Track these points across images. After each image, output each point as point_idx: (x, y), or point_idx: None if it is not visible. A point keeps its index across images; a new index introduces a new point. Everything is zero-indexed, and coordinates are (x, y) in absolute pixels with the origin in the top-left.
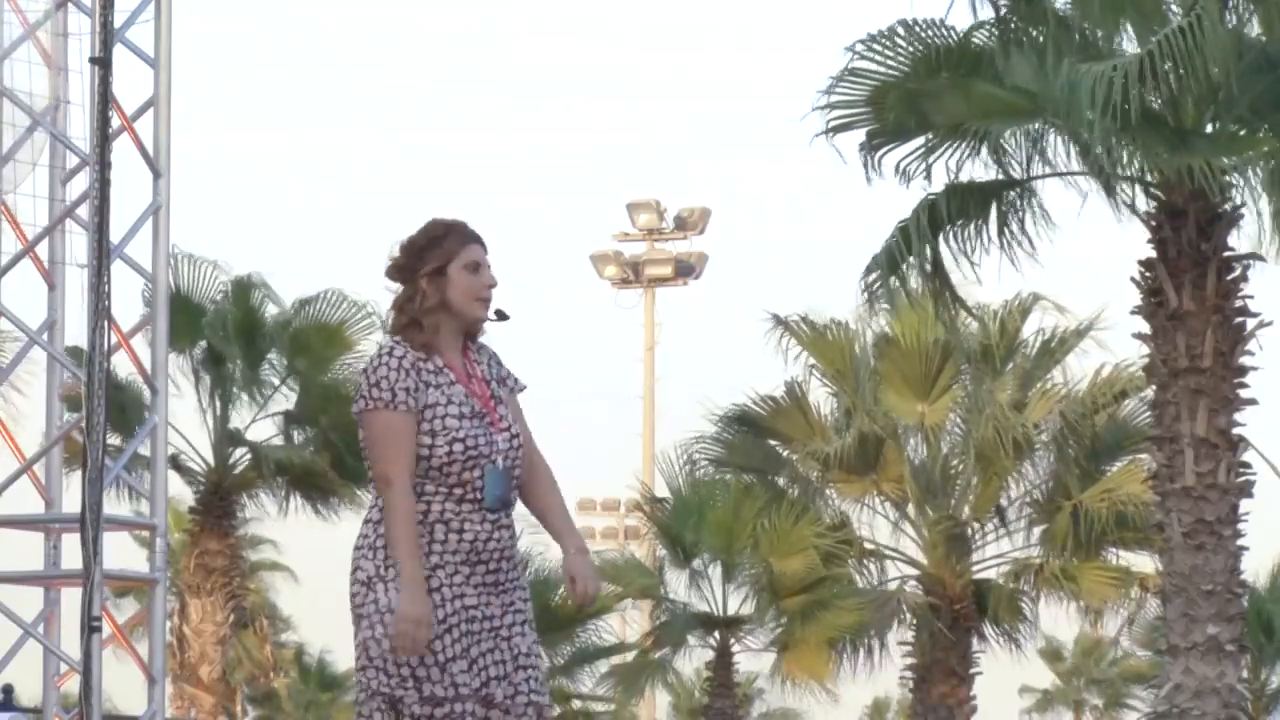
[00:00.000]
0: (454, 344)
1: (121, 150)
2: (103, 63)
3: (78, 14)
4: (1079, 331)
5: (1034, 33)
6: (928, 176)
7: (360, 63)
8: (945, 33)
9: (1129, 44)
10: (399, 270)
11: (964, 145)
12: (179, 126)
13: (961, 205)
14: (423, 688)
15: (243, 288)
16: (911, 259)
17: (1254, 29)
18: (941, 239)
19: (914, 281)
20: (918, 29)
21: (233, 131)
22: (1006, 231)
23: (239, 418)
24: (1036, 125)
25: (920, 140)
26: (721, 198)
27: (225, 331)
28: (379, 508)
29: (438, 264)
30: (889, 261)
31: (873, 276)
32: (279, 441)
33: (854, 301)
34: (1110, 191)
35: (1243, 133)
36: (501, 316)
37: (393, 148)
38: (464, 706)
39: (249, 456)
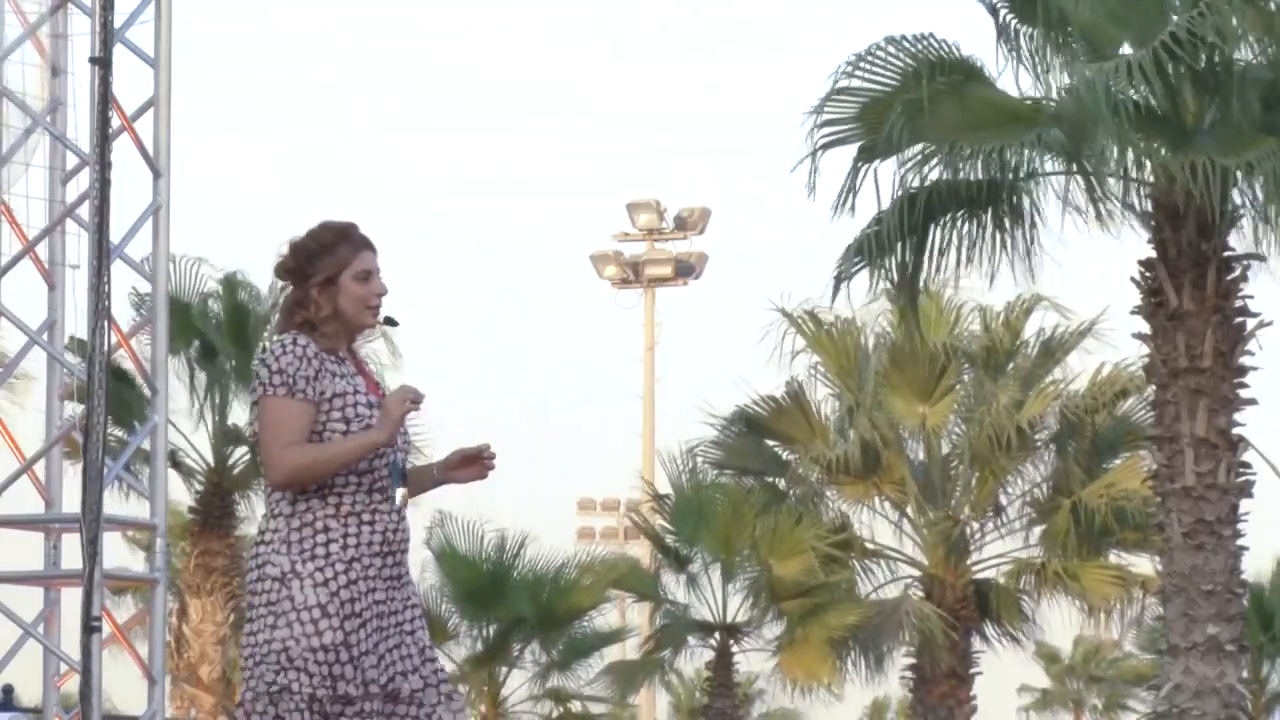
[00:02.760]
0: (344, 345)
1: (121, 150)
2: (103, 63)
3: (78, 14)
4: (1080, 332)
5: (1031, 35)
6: (923, 185)
7: (360, 63)
8: (935, 45)
9: (1129, 44)
10: (288, 272)
11: (961, 153)
12: (179, 127)
13: (948, 202)
14: (337, 686)
15: (230, 286)
16: (884, 254)
17: (1253, 30)
18: (924, 234)
19: (885, 276)
20: (905, 44)
21: (232, 132)
22: (999, 231)
23: (237, 416)
24: (1036, 131)
25: (917, 149)
26: (721, 198)
27: (218, 330)
28: (288, 500)
29: (330, 273)
30: (860, 252)
31: (843, 265)
32: None
33: (855, 301)
34: (1101, 199)
35: (1244, 131)
36: (390, 322)
37: (392, 148)
38: (371, 705)
39: (248, 455)
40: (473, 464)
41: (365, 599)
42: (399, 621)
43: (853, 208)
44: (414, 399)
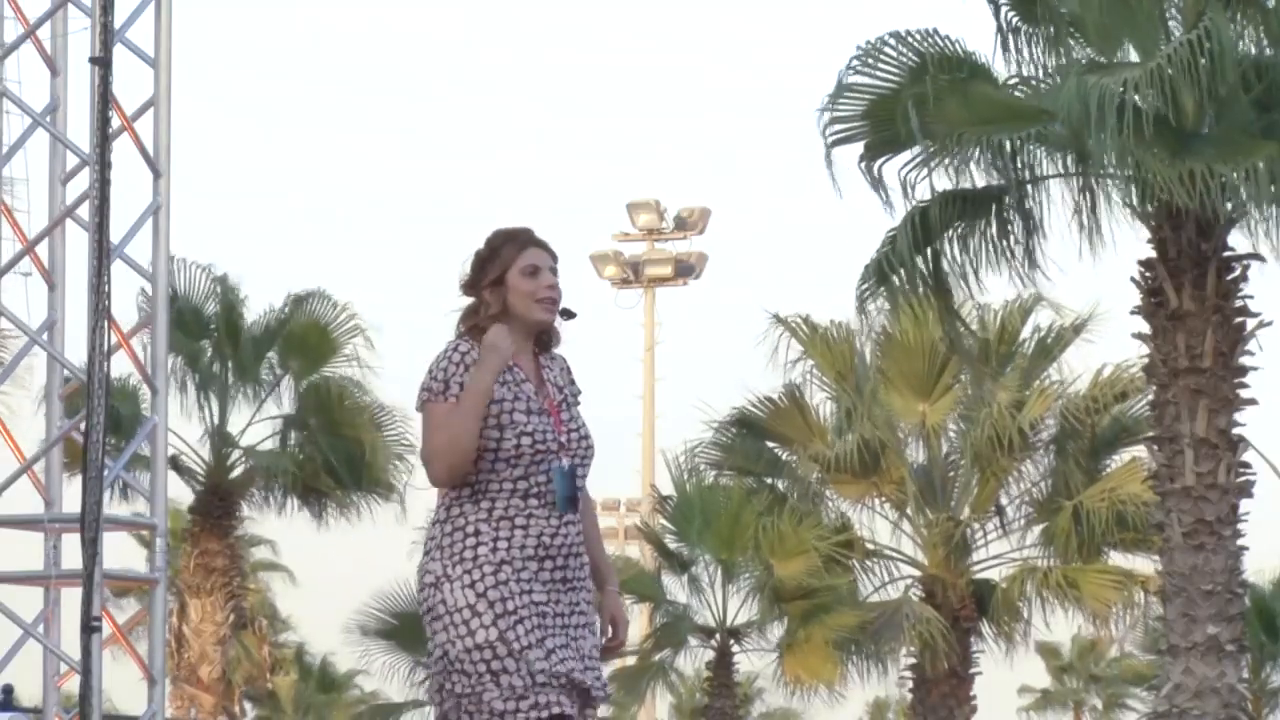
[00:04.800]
0: (524, 348)
1: (121, 150)
2: (103, 63)
3: (78, 14)
4: (1076, 327)
5: (1033, 35)
6: (929, 183)
7: (360, 64)
8: (939, 41)
9: (1127, 52)
10: (467, 285)
11: (964, 151)
12: (179, 127)
13: (956, 211)
14: (500, 680)
15: (225, 287)
16: (902, 270)
17: (1250, 33)
18: (937, 246)
19: (906, 290)
20: (910, 39)
21: (232, 132)
22: (1004, 237)
23: (235, 419)
24: (1037, 129)
25: (919, 148)
26: (721, 198)
27: (214, 332)
28: (444, 506)
29: (497, 273)
30: (880, 271)
31: (864, 286)
32: (272, 445)
33: (852, 302)
34: (1093, 201)
35: (1243, 136)
36: (567, 315)
37: (392, 149)
38: (547, 696)
39: (244, 459)
40: (611, 634)
41: (519, 599)
42: (564, 625)
43: (890, 207)
44: (494, 344)
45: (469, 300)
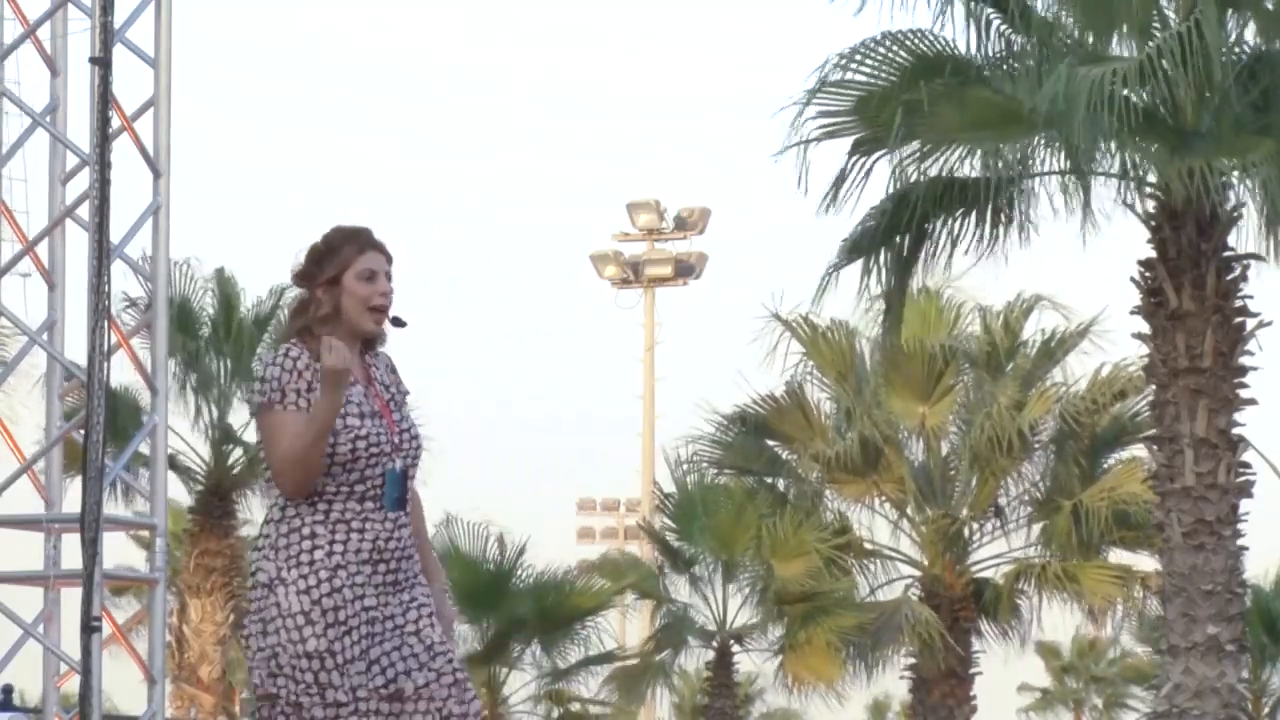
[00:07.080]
0: (351, 348)
1: (121, 150)
2: (103, 63)
3: (78, 14)
4: (1079, 331)
5: (1023, 38)
6: (921, 180)
7: (360, 64)
8: (931, 41)
9: (1120, 47)
10: (301, 277)
11: (957, 152)
12: (179, 127)
13: (941, 200)
14: (326, 694)
15: (221, 283)
16: (876, 252)
17: (1250, 31)
18: (919, 230)
19: (877, 273)
20: (902, 39)
21: (232, 132)
22: (993, 230)
23: (236, 417)
24: (1033, 134)
25: (914, 146)
26: (721, 198)
27: (211, 329)
28: (279, 507)
29: (334, 272)
30: (855, 248)
31: (836, 262)
32: None
33: (846, 300)
34: (1089, 200)
35: (1242, 134)
36: (398, 323)
37: (392, 149)
38: (366, 706)
39: (244, 455)
40: None
41: (351, 606)
42: (399, 625)
43: (836, 200)
44: (335, 367)
45: (300, 292)
